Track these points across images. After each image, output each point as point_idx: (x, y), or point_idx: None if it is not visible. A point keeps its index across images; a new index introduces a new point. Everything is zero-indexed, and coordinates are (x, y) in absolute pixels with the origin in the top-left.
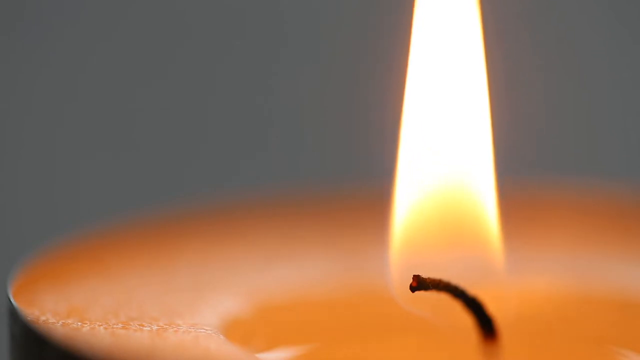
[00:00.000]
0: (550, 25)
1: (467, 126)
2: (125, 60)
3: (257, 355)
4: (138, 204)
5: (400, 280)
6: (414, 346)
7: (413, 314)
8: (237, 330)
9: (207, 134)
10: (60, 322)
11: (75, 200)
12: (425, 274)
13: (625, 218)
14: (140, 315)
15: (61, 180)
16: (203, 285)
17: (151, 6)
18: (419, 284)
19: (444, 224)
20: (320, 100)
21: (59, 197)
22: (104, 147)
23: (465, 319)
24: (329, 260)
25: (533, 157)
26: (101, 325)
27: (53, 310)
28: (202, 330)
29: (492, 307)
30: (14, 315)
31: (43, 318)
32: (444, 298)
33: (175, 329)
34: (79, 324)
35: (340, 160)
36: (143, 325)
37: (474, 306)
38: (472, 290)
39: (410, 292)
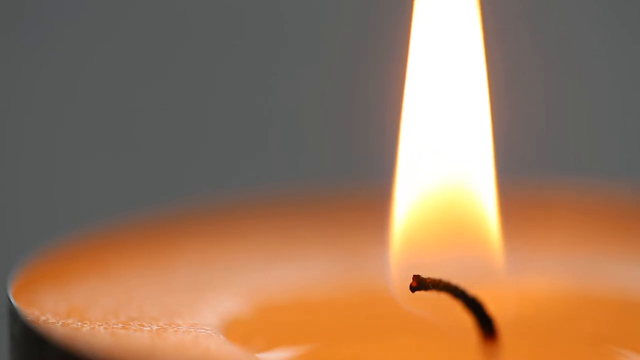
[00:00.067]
0: (550, 25)
1: (467, 126)
2: (125, 60)
3: (257, 355)
4: (138, 204)
5: (400, 280)
6: (414, 346)
7: (413, 314)
8: (237, 330)
9: (207, 134)
10: (60, 322)
11: (75, 200)
12: (425, 274)
13: (625, 218)
14: (140, 315)
15: (61, 180)
16: (203, 285)
17: (151, 6)
18: (419, 284)
19: (443, 223)
20: (320, 100)
21: (59, 197)
22: (104, 147)
23: (465, 319)
24: (329, 260)
25: (533, 157)
26: (101, 325)
27: (53, 310)
28: (202, 330)
29: (492, 307)
30: (14, 315)
31: (43, 318)
32: (444, 298)
33: (175, 329)
34: (79, 324)
35: (340, 160)
36: (143, 325)
37: (474, 306)
38: (472, 290)
39: (410, 292)
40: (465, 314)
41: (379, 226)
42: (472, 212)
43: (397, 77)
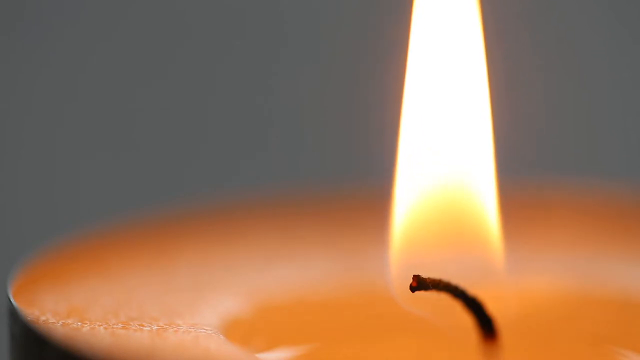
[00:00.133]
0: (550, 25)
1: (467, 126)
2: (125, 60)
3: (257, 355)
4: (138, 204)
5: (400, 280)
6: (414, 346)
7: (413, 314)
8: (237, 330)
9: (207, 134)
10: (60, 322)
11: (75, 200)
12: (425, 274)
13: (625, 218)
14: (140, 315)
15: (61, 180)
16: (203, 285)
17: (151, 6)
18: (419, 284)
19: (444, 223)
20: (320, 100)
21: (59, 197)
22: (104, 147)
23: (465, 319)
24: (329, 260)
25: (533, 157)
26: (101, 325)
27: (53, 310)
28: (202, 330)
29: (492, 307)
30: (14, 315)
31: (43, 318)
32: (444, 298)
33: (175, 329)
34: (79, 324)
35: (340, 160)
36: (143, 325)
37: (474, 306)
38: (472, 290)
39: (410, 292)
40: (465, 314)
41: (379, 226)
42: (472, 212)
43: (397, 77)
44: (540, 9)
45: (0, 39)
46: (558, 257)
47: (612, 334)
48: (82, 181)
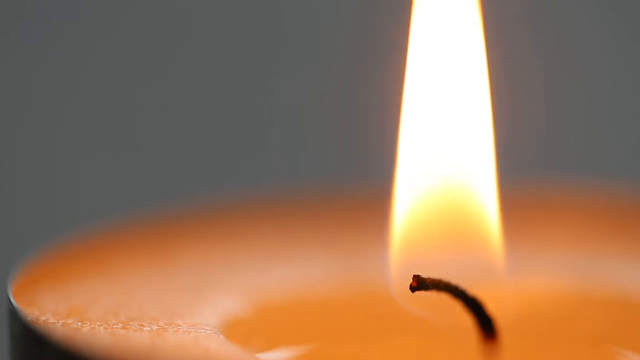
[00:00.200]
0: (550, 25)
1: (467, 126)
2: (125, 60)
3: (257, 355)
4: (138, 204)
5: (400, 280)
6: (414, 346)
7: (413, 314)
8: (237, 330)
9: (207, 134)
10: (60, 322)
11: (75, 200)
12: (425, 274)
13: (625, 218)
14: (140, 315)
15: (61, 180)
16: (203, 285)
17: (151, 6)
18: (419, 284)
19: (444, 223)
20: (320, 100)
21: (59, 197)
22: (104, 147)
23: (465, 319)
24: (329, 260)
25: (533, 157)
26: (101, 325)
27: (53, 310)
28: (202, 330)
29: (492, 307)
30: (14, 315)
31: (43, 318)
32: (444, 298)
33: (175, 329)
34: (79, 324)
35: (340, 160)
36: (143, 325)
37: (474, 306)
38: (472, 290)
39: (410, 292)
40: (465, 314)
41: (379, 226)
42: (472, 212)
43: (397, 77)
44: (540, 9)
45: (0, 39)
46: (558, 257)
47: (612, 334)
48: (82, 181)
